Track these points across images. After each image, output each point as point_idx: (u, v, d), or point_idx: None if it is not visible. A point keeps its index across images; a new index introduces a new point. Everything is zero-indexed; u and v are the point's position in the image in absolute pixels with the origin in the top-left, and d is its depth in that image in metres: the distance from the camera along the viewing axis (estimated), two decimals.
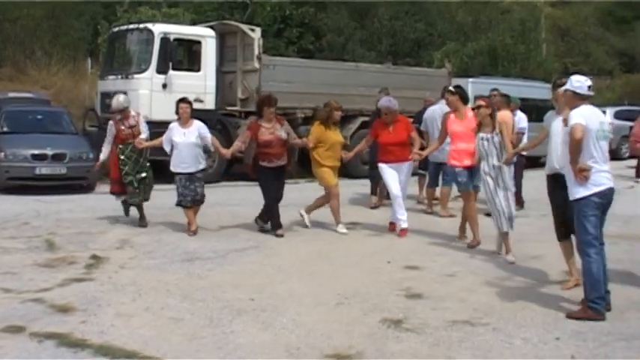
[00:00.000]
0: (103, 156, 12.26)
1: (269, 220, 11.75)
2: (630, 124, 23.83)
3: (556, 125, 8.26)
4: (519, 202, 13.56)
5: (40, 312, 7.25)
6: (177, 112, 11.59)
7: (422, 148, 12.02)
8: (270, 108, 11.48)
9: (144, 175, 11.97)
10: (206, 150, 11.88)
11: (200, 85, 18.81)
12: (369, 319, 7.25)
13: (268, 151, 11.39)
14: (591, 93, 7.55)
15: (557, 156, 8.19)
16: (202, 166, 11.68)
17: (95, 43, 29.09)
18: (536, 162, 18.72)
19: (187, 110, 11.52)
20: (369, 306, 7.68)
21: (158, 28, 18.70)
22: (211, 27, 20.59)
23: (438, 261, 9.94)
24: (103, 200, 13.71)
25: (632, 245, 10.92)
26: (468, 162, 10.78)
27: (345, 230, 11.91)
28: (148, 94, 17.95)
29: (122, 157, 11.85)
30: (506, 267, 9.65)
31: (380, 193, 14.68)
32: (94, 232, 11.41)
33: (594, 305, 7.31)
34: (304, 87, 19.93)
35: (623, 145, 26.94)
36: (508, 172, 10.17)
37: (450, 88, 11.84)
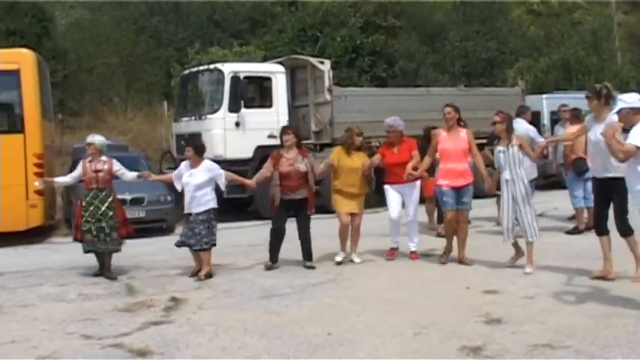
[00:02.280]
0: (58, 179, 12.63)
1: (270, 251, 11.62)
2: None
3: (594, 133, 9.18)
4: None
5: (120, 356, 7.30)
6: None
7: None
8: (285, 136, 11.52)
9: (103, 224, 11.41)
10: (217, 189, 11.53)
11: (273, 120, 18.86)
12: (448, 347, 7.12)
13: (285, 183, 11.38)
14: None
15: (600, 163, 9.22)
16: (202, 208, 11.11)
17: (169, 86, 29.59)
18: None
19: (190, 155, 11.32)
20: (447, 334, 7.55)
21: (228, 68, 18.97)
22: (281, 62, 20.82)
23: (517, 283, 9.78)
24: None
25: None
26: (454, 182, 11.01)
27: (339, 259, 11.85)
28: (222, 133, 18.17)
29: (83, 204, 11.48)
30: (586, 286, 9.42)
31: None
32: (173, 274, 11.51)
33: None
34: (377, 115, 19.71)
35: None
36: (524, 186, 10.45)
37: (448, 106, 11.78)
